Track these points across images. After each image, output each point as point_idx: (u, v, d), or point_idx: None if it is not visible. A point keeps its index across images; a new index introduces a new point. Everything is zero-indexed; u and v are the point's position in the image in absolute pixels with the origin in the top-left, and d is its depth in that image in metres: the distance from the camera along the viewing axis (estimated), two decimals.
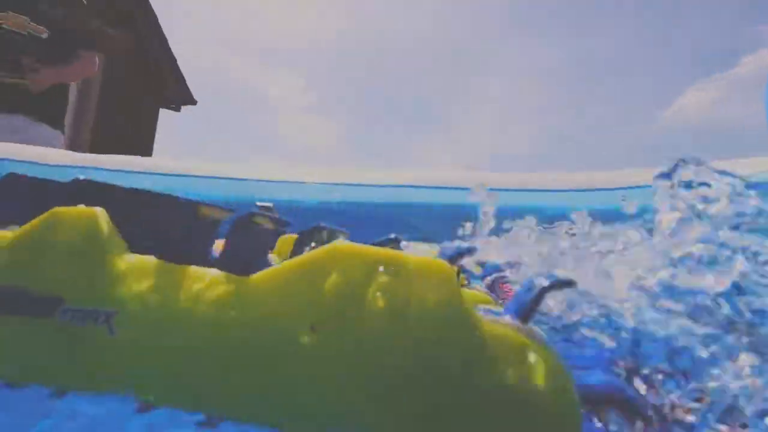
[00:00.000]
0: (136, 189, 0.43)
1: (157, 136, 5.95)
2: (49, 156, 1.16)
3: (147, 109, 5.76)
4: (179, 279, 0.34)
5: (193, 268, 0.35)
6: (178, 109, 6.07)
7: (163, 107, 6.01)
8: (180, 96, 5.96)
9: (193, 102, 5.98)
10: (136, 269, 0.35)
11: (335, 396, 0.30)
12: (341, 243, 0.33)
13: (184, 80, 5.86)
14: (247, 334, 0.31)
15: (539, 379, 0.29)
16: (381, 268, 0.30)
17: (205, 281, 0.33)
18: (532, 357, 0.30)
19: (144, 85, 5.49)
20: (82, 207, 0.37)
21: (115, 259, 0.35)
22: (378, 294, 0.29)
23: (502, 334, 0.31)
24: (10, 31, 1.75)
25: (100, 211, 0.37)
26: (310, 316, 0.30)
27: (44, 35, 1.79)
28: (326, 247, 0.33)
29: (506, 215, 0.51)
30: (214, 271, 0.34)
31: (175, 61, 5.68)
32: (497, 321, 0.32)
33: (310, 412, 0.30)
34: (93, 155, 1.39)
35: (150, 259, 0.36)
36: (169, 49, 5.60)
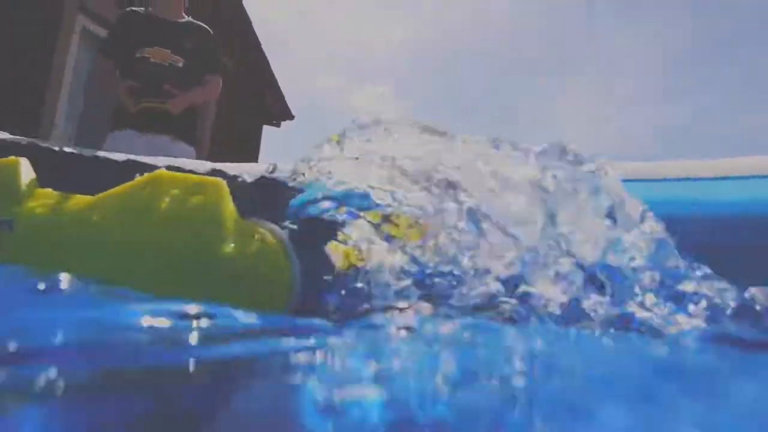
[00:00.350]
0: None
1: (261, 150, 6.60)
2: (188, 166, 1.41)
3: (253, 126, 6.41)
4: (58, 201, 0.50)
5: (75, 196, 0.51)
6: (278, 125, 6.66)
7: (266, 124, 6.63)
8: (280, 112, 6.53)
9: (291, 117, 6.53)
10: (35, 196, 0.52)
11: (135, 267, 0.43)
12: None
13: (284, 97, 6.41)
14: (91, 232, 0.46)
15: (257, 254, 0.44)
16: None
17: (70, 200, 0.50)
18: (256, 241, 0.45)
19: (250, 103, 6.12)
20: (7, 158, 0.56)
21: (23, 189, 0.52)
22: (167, 203, 0.43)
23: (243, 227, 0.45)
24: (155, 63, 1.97)
25: (22, 161, 0.55)
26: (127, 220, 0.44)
27: (180, 64, 2.01)
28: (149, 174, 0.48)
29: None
30: (80, 197, 0.50)
31: (275, 80, 6.25)
32: (254, 221, 0.48)
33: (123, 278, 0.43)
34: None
35: (49, 191, 0.53)
36: (271, 69, 6.18)
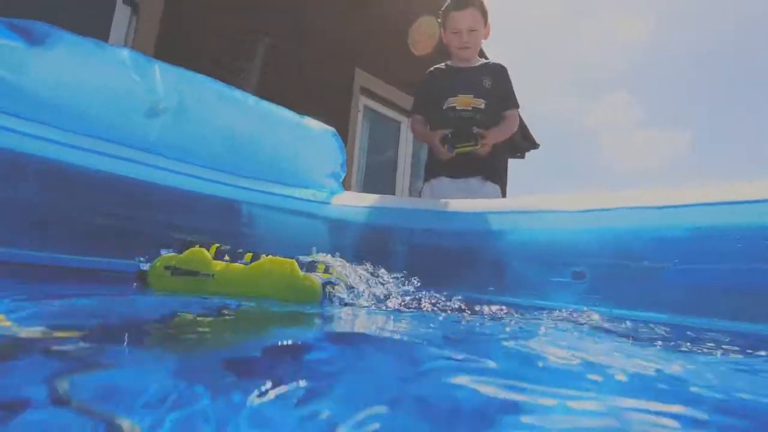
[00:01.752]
0: None
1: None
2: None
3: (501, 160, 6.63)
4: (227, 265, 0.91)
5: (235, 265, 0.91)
6: (523, 156, 6.69)
7: (511, 157, 6.77)
8: (525, 143, 6.55)
9: (536, 146, 6.47)
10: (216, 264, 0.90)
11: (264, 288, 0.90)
12: None
13: (527, 127, 6.44)
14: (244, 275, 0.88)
15: (309, 285, 0.86)
16: None
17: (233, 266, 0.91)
18: (308, 279, 0.86)
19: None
20: None
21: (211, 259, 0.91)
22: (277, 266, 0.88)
23: (305, 276, 0.87)
24: (461, 110, 2.05)
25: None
26: None
27: (482, 106, 2.07)
28: None
29: None
30: (238, 265, 0.90)
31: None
32: (308, 274, 0.90)
33: None
34: (514, 199, 1.74)
35: (221, 262, 0.89)
36: None
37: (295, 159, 1.58)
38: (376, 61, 5.24)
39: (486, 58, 2.32)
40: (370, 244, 1.57)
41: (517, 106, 2.17)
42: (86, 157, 1.21)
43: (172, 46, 3.72)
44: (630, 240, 1.27)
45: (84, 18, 3.50)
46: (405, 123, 5.59)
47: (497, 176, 2.14)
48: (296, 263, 0.83)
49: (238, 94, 1.45)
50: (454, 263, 1.49)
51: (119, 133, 1.27)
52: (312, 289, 0.79)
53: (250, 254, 0.89)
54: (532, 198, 1.43)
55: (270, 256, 0.83)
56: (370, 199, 1.65)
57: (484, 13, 2.13)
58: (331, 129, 1.68)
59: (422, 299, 1.04)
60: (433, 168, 2.12)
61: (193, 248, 0.79)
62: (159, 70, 1.29)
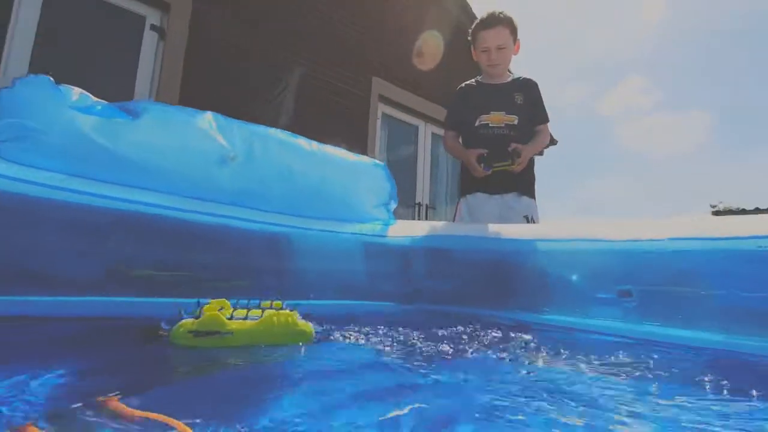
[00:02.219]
0: None
1: None
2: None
3: None
4: (241, 322, 0.98)
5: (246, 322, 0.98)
6: (542, 153, 6.72)
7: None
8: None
9: (554, 142, 6.50)
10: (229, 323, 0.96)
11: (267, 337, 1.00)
12: None
13: None
14: (254, 327, 0.98)
15: (303, 328, 0.99)
16: None
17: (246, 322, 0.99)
18: (302, 325, 1.00)
19: None
20: None
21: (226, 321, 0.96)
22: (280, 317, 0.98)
23: (300, 321, 1.00)
24: (494, 127, 2.08)
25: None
26: None
27: (515, 122, 2.08)
28: None
29: None
30: (248, 322, 0.98)
31: None
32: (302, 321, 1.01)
33: None
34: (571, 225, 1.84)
35: (232, 321, 0.96)
36: None
37: (350, 195, 1.68)
38: (392, 68, 5.31)
39: (510, 72, 2.34)
40: (428, 271, 1.68)
41: (547, 120, 2.20)
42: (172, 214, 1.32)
43: (200, 69, 3.83)
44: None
45: (115, 44, 3.62)
46: (422, 126, 5.66)
47: (532, 190, 2.17)
48: (295, 314, 1.00)
49: (297, 141, 1.55)
50: (510, 285, 1.58)
51: (195, 183, 1.39)
52: (307, 332, 1.00)
53: (266, 305, 1.00)
54: (588, 225, 1.51)
55: (272, 309, 0.98)
56: (423, 227, 1.75)
57: (513, 31, 2.13)
58: (381, 163, 1.77)
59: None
60: (469, 184, 2.17)
61: (210, 312, 0.89)
62: (232, 126, 1.40)
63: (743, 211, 11.66)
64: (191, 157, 1.33)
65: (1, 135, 1.03)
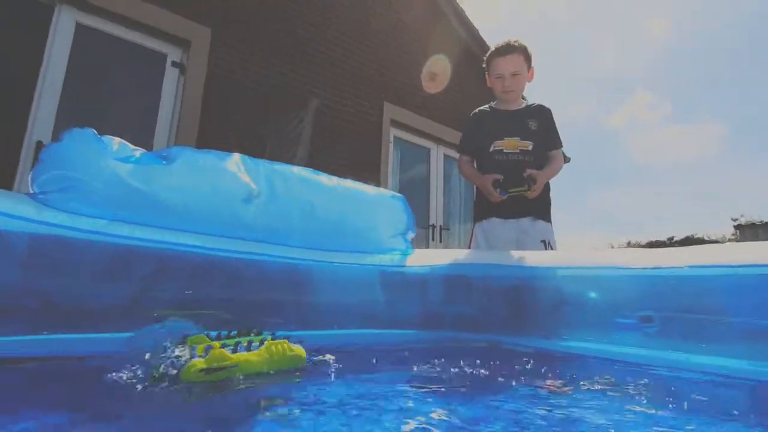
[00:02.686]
0: None
1: None
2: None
3: None
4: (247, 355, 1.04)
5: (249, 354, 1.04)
6: None
7: None
8: None
9: (568, 160, 6.52)
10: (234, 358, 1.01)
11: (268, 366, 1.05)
12: None
13: None
14: (256, 359, 1.03)
15: (298, 354, 1.06)
16: None
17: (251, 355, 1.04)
18: (297, 349, 1.07)
19: None
20: None
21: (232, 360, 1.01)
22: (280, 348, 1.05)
23: (296, 348, 1.08)
24: (509, 153, 2.12)
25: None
26: None
27: (530, 147, 2.12)
28: None
29: None
30: (250, 354, 1.03)
31: None
32: (297, 346, 1.09)
33: None
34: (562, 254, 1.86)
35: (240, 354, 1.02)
36: None
37: (369, 228, 1.74)
38: (403, 93, 5.42)
39: (524, 98, 2.38)
40: (446, 298, 1.71)
41: (561, 145, 2.22)
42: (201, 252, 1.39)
43: (218, 101, 3.98)
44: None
45: (139, 80, 3.78)
46: (434, 149, 5.74)
47: (548, 214, 2.18)
48: (287, 342, 1.07)
49: (318, 177, 1.62)
50: (530, 312, 1.61)
51: (224, 221, 1.46)
52: (301, 356, 1.08)
53: (257, 335, 1.09)
54: (611, 253, 1.54)
55: (269, 340, 1.05)
56: (440, 256, 1.80)
57: (527, 58, 2.16)
58: (399, 195, 1.83)
59: None
60: (484, 210, 2.18)
61: (216, 350, 0.94)
62: (257, 166, 1.47)
63: (766, 225, 11.42)
64: (220, 197, 1.41)
65: (50, 186, 1.11)
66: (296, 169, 1.57)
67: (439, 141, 5.72)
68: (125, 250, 1.17)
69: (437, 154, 5.74)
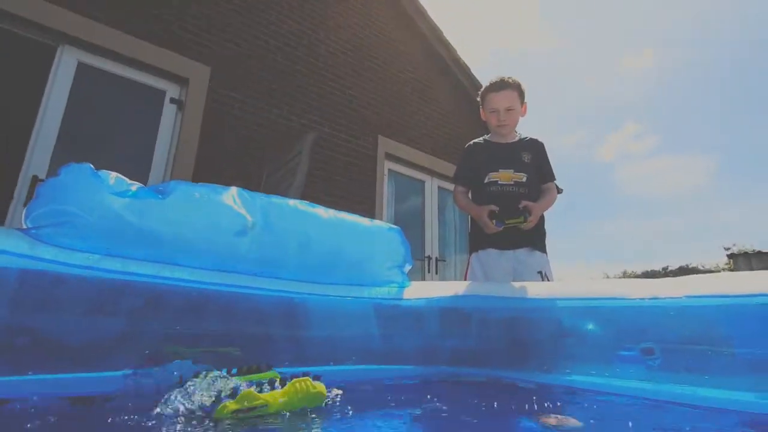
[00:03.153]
0: None
1: None
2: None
3: None
4: (272, 394, 1.08)
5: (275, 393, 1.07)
6: None
7: None
8: None
9: (560, 191, 6.60)
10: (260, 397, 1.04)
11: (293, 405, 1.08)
12: None
13: None
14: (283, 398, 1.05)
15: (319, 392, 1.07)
16: None
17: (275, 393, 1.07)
18: (319, 386, 1.08)
19: None
20: None
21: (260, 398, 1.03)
22: (303, 387, 1.07)
23: (316, 385, 1.09)
24: (503, 185, 2.12)
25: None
26: None
27: (524, 179, 2.14)
28: None
29: None
30: (275, 393, 1.06)
31: None
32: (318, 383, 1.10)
33: None
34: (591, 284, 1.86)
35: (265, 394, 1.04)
36: None
37: (365, 260, 1.73)
38: (398, 127, 5.52)
39: (516, 132, 2.43)
40: (444, 332, 1.69)
41: (554, 178, 2.26)
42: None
43: (215, 136, 4.02)
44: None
45: (137, 115, 3.83)
46: (429, 181, 5.79)
47: (544, 244, 2.18)
48: (309, 379, 1.09)
49: (314, 210, 1.62)
50: (530, 345, 1.58)
51: (219, 255, 1.44)
52: (323, 394, 1.10)
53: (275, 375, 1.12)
54: (607, 283, 1.53)
55: (293, 380, 1.08)
56: (437, 288, 1.78)
57: (521, 94, 2.23)
58: (395, 227, 1.83)
59: None
60: (480, 240, 2.18)
61: (245, 391, 0.98)
62: (254, 199, 1.48)
63: (759, 254, 11.48)
64: (215, 230, 1.40)
65: (44, 220, 1.10)
66: (292, 202, 1.57)
67: (433, 173, 5.78)
68: (118, 284, 1.15)
69: (432, 186, 5.79)
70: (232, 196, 1.42)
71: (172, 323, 1.28)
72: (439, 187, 5.83)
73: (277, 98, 4.45)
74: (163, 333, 1.27)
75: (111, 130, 3.67)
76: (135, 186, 1.27)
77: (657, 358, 1.59)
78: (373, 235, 1.75)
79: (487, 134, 2.35)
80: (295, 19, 4.77)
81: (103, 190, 1.16)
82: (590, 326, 1.55)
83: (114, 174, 1.25)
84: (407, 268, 1.87)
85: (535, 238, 2.14)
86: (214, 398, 0.94)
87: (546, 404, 1.19)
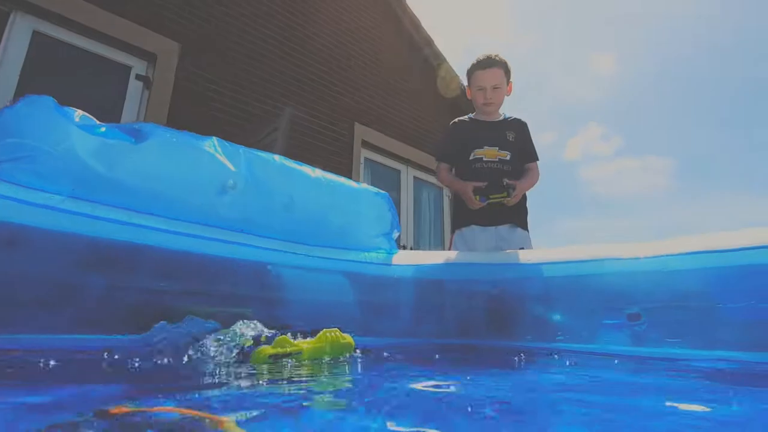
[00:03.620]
0: None
1: None
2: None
3: None
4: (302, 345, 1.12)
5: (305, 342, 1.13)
6: None
7: None
8: None
9: None
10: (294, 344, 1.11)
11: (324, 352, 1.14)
12: None
13: None
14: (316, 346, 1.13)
15: (347, 342, 1.13)
16: None
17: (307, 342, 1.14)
18: (347, 338, 1.14)
19: None
20: None
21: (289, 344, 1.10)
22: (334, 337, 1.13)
23: (345, 336, 1.15)
24: (488, 161, 2.13)
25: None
26: None
27: (507, 157, 2.14)
28: None
29: None
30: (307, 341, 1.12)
31: None
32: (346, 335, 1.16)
33: None
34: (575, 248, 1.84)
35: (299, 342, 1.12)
36: None
37: (351, 223, 1.65)
38: (374, 115, 5.46)
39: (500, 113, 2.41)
40: (433, 300, 1.63)
41: (537, 158, 2.26)
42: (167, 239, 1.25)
43: (184, 116, 3.84)
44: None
45: (101, 92, 3.61)
46: (404, 170, 5.75)
47: (526, 222, 2.19)
48: (339, 330, 1.13)
49: (300, 168, 1.53)
50: (521, 313, 1.54)
51: (198, 210, 1.33)
52: (352, 344, 1.13)
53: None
54: (591, 247, 1.51)
55: (323, 330, 1.12)
56: (428, 257, 1.72)
57: (507, 72, 2.22)
58: (383, 192, 1.76)
59: None
60: (463, 217, 2.17)
61: (278, 338, 1.02)
62: (235, 150, 1.37)
63: None
64: (196, 182, 1.29)
65: (2, 155, 0.97)
66: (278, 157, 1.47)
67: (409, 162, 5.74)
68: (84, 231, 1.03)
69: (407, 176, 5.75)
70: (213, 145, 1.31)
71: (141, 278, 1.16)
72: (414, 177, 5.79)
73: (249, 80, 4.29)
74: (136, 288, 1.15)
75: (70, 106, 3.43)
76: (104, 126, 1.14)
77: (643, 323, 1.58)
78: (360, 197, 1.67)
79: (473, 113, 2.34)
80: (270, 2, 4.63)
81: (67, 124, 1.03)
82: (585, 288, 1.53)
83: (80, 111, 1.13)
84: (395, 234, 1.80)
85: (518, 215, 2.15)
86: (252, 342, 0.99)
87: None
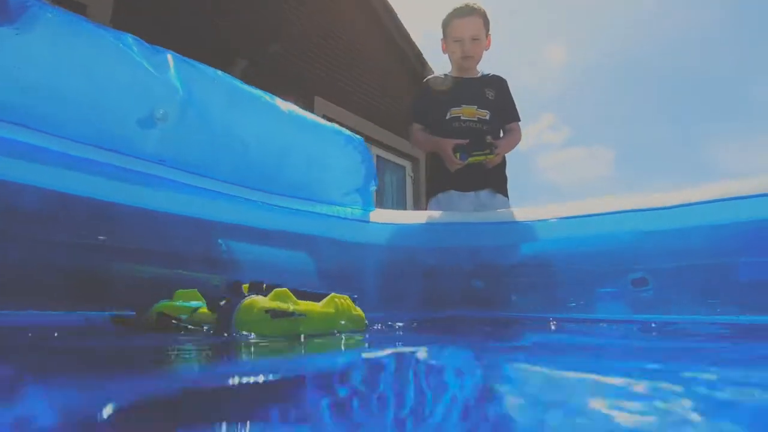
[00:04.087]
0: None
1: None
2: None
3: None
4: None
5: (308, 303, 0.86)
6: None
7: None
8: None
9: None
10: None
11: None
12: None
13: None
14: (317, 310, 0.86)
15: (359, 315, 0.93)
16: None
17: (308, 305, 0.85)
18: (358, 310, 0.93)
19: None
20: None
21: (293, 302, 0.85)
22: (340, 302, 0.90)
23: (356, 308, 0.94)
24: (467, 120, 1.96)
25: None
26: None
27: (487, 117, 1.99)
28: None
29: None
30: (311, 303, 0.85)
31: None
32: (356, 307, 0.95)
33: None
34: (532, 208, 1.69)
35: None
36: None
37: (318, 169, 1.34)
38: (335, 89, 5.13)
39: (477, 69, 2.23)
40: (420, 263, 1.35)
41: (519, 119, 2.11)
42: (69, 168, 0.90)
43: None
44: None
45: None
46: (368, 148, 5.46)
47: (505, 188, 2.04)
48: (350, 299, 0.92)
49: (255, 92, 1.20)
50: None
51: (110, 142, 0.97)
52: (363, 318, 0.93)
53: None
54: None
55: (332, 294, 0.88)
56: (414, 216, 1.44)
57: (486, 23, 2.03)
58: (357, 136, 1.45)
59: None
60: (440, 182, 1.99)
61: (277, 290, 0.79)
62: (164, 60, 1.02)
63: None
64: (100, 88, 0.93)
65: None
66: (226, 76, 1.13)
67: (372, 141, 5.45)
68: None
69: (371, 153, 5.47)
70: (130, 44, 0.95)
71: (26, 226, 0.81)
72: (377, 156, 5.51)
73: (200, 40, 3.83)
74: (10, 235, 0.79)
75: None
76: None
77: (650, 289, 1.44)
78: (328, 138, 1.36)
79: (448, 71, 2.12)
80: None
81: None
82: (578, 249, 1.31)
83: None
84: (373, 188, 1.50)
85: (497, 180, 2.00)
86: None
87: None
